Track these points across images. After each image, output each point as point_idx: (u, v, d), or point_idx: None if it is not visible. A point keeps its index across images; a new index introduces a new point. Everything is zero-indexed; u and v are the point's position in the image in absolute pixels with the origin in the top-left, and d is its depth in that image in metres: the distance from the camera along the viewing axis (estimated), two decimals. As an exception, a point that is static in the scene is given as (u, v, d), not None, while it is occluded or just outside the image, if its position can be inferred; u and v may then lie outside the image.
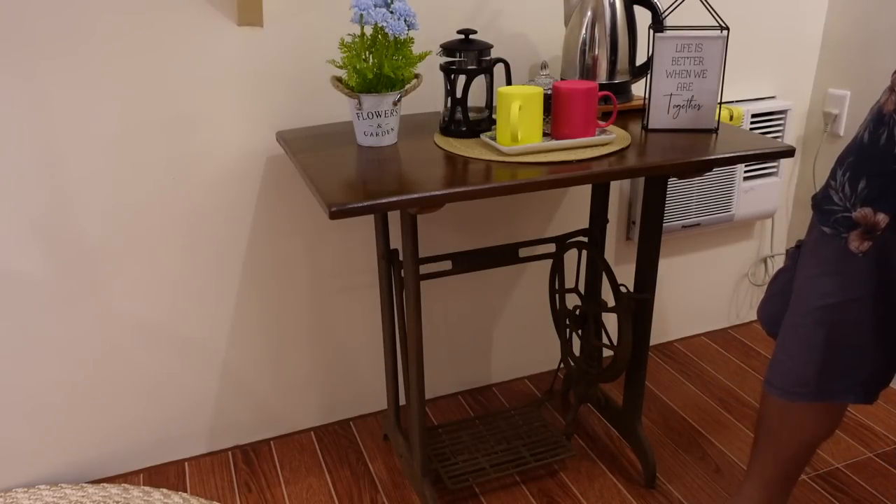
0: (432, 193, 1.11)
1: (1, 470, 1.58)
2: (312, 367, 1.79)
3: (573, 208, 1.88)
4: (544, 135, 1.33)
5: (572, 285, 1.81)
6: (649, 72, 1.37)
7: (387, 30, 1.23)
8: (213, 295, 1.63)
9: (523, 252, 1.68)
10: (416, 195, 1.10)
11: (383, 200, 1.09)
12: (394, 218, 1.59)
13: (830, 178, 1.13)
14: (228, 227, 1.58)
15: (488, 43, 1.36)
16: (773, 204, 2.09)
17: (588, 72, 1.52)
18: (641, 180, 1.80)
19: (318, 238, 1.67)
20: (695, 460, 1.71)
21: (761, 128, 1.98)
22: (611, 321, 1.77)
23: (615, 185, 1.91)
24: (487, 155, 1.27)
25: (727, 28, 1.31)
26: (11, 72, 1.32)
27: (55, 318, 1.51)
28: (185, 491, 1.64)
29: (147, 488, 1.61)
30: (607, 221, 1.69)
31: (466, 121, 1.37)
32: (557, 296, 1.77)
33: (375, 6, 1.24)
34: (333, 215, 1.05)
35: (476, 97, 1.37)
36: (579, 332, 1.73)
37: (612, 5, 1.48)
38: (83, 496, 1.56)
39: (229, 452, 1.76)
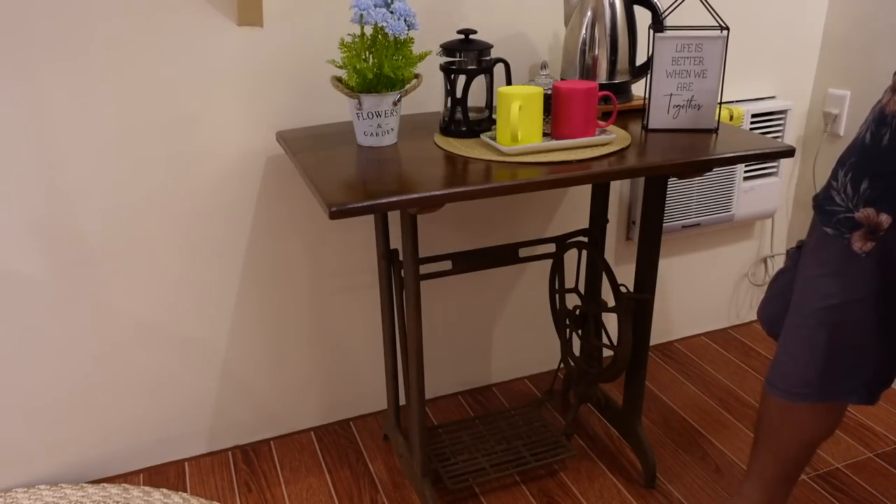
0: (432, 193, 1.11)
1: (1, 470, 1.58)
2: (312, 367, 1.79)
3: (573, 208, 1.88)
4: (544, 135, 1.33)
5: (572, 285, 1.81)
6: (649, 72, 1.37)
7: (387, 30, 1.23)
8: (213, 295, 1.63)
9: (523, 252, 1.68)
10: (416, 195, 1.10)
11: (383, 200, 1.09)
12: (394, 218, 1.59)
13: (832, 179, 1.13)
14: (228, 227, 1.58)
15: (488, 43, 1.36)
16: (773, 204, 2.09)
17: (588, 72, 1.52)
18: (641, 180, 1.80)
19: (318, 238, 1.67)
20: (695, 460, 1.71)
21: (761, 128, 1.98)
22: (611, 321, 1.77)
23: (615, 185, 1.91)
24: (487, 155, 1.27)
25: (727, 28, 1.31)
26: (12, 72, 1.32)
27: (55, 317, 1.51)
28: (185, 491, 1.64)
29: (147, 488, 1.61)
30: (607, 221, 1.69)
31: (466, 121, 1.37)
32: (557, 296, 1.77)
33: (375, 6, 1.24)
34: (333, 215, 1.05)
35: (476, 97, 1.37)
36: (579, 332, 1.73)
37: (612, 5, 1.48)
38: (83, 496, 1.56)
39: (229, 452, 1.76)
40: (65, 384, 1.57)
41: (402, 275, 1.41)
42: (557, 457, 1.66)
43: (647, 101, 1.39)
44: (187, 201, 1.53)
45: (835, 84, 2.01)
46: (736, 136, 1.38)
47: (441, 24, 1.52)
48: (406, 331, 1.46)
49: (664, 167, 1.24)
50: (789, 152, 1.32)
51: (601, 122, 1.37)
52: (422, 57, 1.31)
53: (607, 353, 1.68)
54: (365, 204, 1.08)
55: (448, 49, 1.35)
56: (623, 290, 1.54)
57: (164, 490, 1.61)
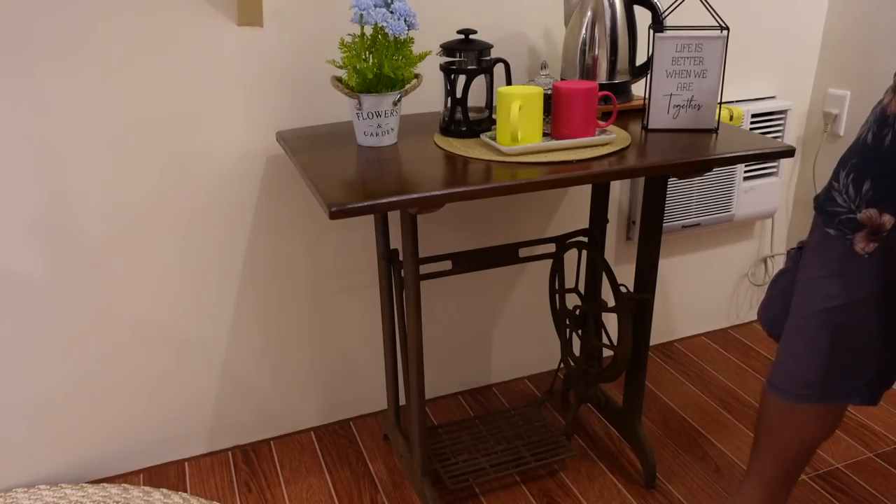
0: (432, 193, 1.11)
1: (1, 470, 1.58)
2: (312, 367, 1.79)
3: (573, 208, 1.88)
4: (544, 135, 1.32)
5: (572, 285, 1.81)
6: (649, 72, 1.37)
7: (387, 30, 1.23)
8: (213, 295, 1.63)
9: (523, 252, 1.68)
10: (416, 195, 1.10)
11: (383, 200, 1.09)
12: (394, 218, 1.59)
13: (833, 180, 1.12)
14: (228, 227, 1.58)
15: (488, 43, 1.36)
16: (773, 204, 2.09)
17: (588, 72, 1.52)
18: (641, 180, 1.80)
19: (318, 238, 1.67)
20: (695, 460, 1.71)
21: (761, 128, 1.98)
22: (611, 321, 1.77)
23: (615, 185, 1.91)
24: (487, 155, 1.27)
25: (727, 28, 1.31)
26: (12, 72, 1.32)
27: (55, 317, 1.51)
28: (185, 491, 1.64)
29: (147, 488, 1.61)
30: (607, 221, 1.69)
31: (466, 121, 1.36)
32: (557, 296, 1.77)
33: (375, 6, 1.24)
34: (333, 215, 1.05)
35: (476, 97, 1.37)
36: (579, 332, 1.73)
37: (612, 5, 1.48)
38: (83, 496, 1.56)
39: (229, 452, 1.76)
40: (65, 384, 1.57)
41: (402, 275, 1.41)
42: (557, 457, 1.66)
43: (647, 101, 1.39)
44: (187, 201, 1.53)
45: (835, 84, 2.01)
46: (736, 136, 1.38)
47: (441, 24, 1.52)
48: (406, 331, 1.46)
49: (664, 167, 1.24)
50: (789, 152, 1.32)
51: (601, 122, 1.37)
52: (422, 57, 1.31)
53: (607, 353, 1.68)
54: (365, 204, 1.08)
55: (448, 49, 1.35)
56: (623, 290, 1.54)
57: (164, 490, 1.61)
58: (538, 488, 1.62)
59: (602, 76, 1.52)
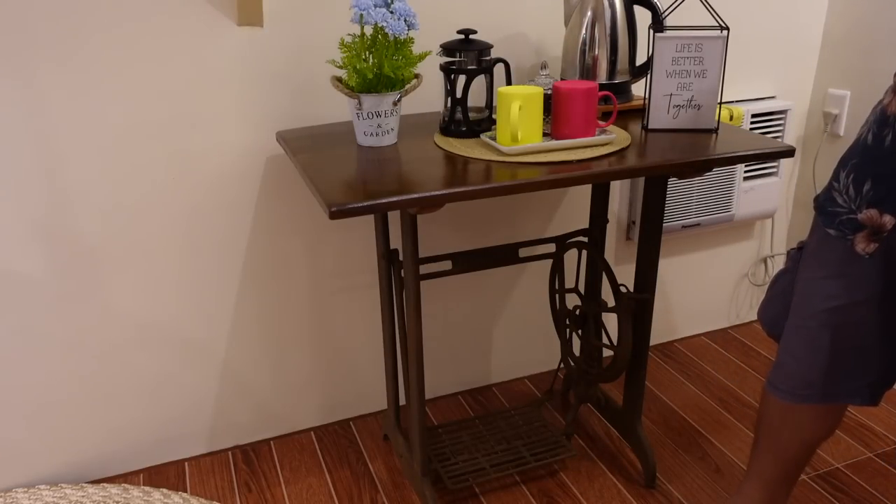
0: (432, 193, 1.11)
1: (1, 470, 1.58)
2: (312, 367, 1.79)
3: (573, 208, 1.88)
4: (544, 135, 1.32)
5: (572, 285, 1.81)
6: (649, 72, 1.37)
7: (387, 30, 1.23)
8: (213, 295, 1.63)
9: (523, 252, 1.68)
10: (416, 195, 1.10)
11: (383, 200, 1.09)
12: (394, 218, 1.59)
13: (833, 180, 1.12)
14: (228, 227, 1.58)
15: (488, 43, 1.36)
16: (773, 204, 2.09)
17: (588, 72, 1.52)
18: (641, 180, 1.80)
19: (318, 238, 1.67)
20: (695, 460, 1.71)
21: (761, 128, 1.98)
22: (611, 321, 1.77)
23: (615, 185, 1.91)
24: (487, 155, 1.27)
25: (727, 28, 1.31)
26: (12, 72, 1.32)
27: (55, 318, 1.51)
28: (185, 491, 1.64)
29: (147, 488, 1.61)
30: (607, 221, 1.69)
31: (466, 121, 1.36)
32: (557, 296, 1.77)
33: (375, 6, 1.24)
34: (333, 215, 1.05)
35: (476, 97, 1.37)
36: (579, 332, 1.73)
37: (612, 5, 1.48)
38: (83, 496, 1.56)
39: (229, 452, 1.76)
40: (65, 384, 1.57)
41: (402, 275, 1.41)
42: (557, 457, 1.65)
43: (647, 101, 1.39)
44: (187, 201, 1.53)
45: (835, 84, 2.01)
46: (736, 136, 1.38)
47: (441, 24, 1.52)
48: (406, 331, 1.46)
49: (664, 167, 1.24)
50: (789, 152, 1.32)
51: (601, 122, 1.37)
52: (422, 57, 1.31)
53: (607, 353, 1.68)
54: (365, 204, 1.08)
55: (448, 49, 1.35)
56: (623, 290, 1.54)
57: (164, 490, 1.61)
58: (538, 488, 1.62)
59: (602, 76, 1.52)
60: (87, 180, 1.44)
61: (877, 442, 1.76)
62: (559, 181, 1.19)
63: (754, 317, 2.29)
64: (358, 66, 1.26)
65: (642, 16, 1.50)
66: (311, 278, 1.70)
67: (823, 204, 1.14)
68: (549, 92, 1.33)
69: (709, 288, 2.20)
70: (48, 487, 1.59)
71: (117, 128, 1.42)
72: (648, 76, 1.37)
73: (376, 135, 1.32)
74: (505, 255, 1.66)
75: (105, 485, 1.61)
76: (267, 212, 1.60)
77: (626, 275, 1.99)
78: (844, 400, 1.19)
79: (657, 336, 2.17)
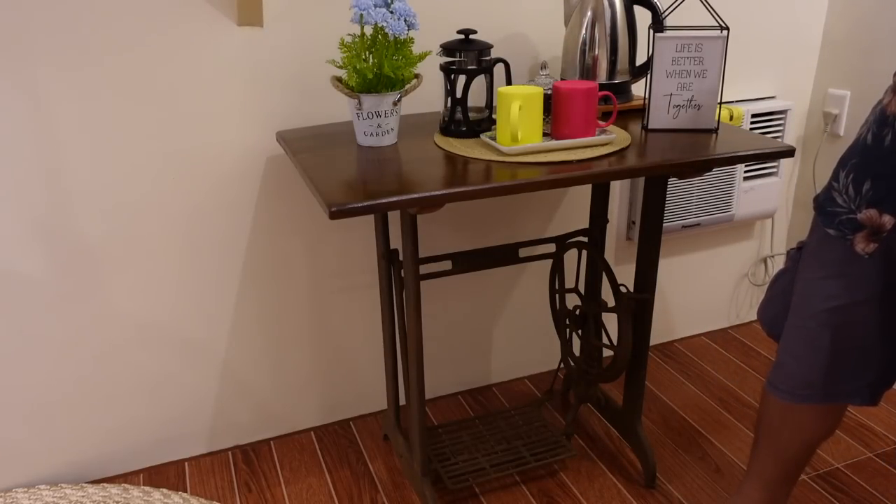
0: (432, 193, 1.11)
1: (1, 470, 1.58)
2: (312, 367, 1.79)
3: (573, 208, 1.88)
4: (544, 135, 1.32)
5: (572, 285, 1.81)
6: (649, 72, 1.37)
7: (387, 30, 1.23)
8: (213, 295, 1.63)
9: (523, 252, 1.68)
10: (416, 195, 1.10)
11: (383, 200, 1.09)
12: (394, 218, 1.59)
13: (833, 180, 1.12)
14: (228, 227, 1.58)
15: (488, 43, 1.36)
16: (773, 204, 2.09)
17: (588, 72, 1.52)
18: (641, 180, 1.80)
19: (318, 238, 1.67)
20: (695, 460, 1.71)
21: (761, 128, 1.98)
22: (611, 321, 1.77)
23: (615, 185, 1.91)
24: (487, 155, 1.27)
25: (727, 28, 1.31)
26: (12, 71, 1.32)
27: (55, 317, 1.51)
28: (185, 491, 1.64)
29: (147, 488, 1.61)
30: (607, 221, 1.69)
31: (466, 121, 1.36)
32: (557, 296, 1.77)
33: (375, 6, 1.24)
34: (333, 215, 1.05)
35: (476, 97, 1.37)
36: (579, 332, 1.73)
37: (612, 5, 1.48)
38: (83, 496, 1.56)
39: (229, 452, 1.76)
40: (65, 384, 1.57)
41: (402, 275, 1.41)
42: (557, 457, 1.65)
43: (647, 101, 1.39)
44: (187, 201, 1.53)
45: (835, 84, 2.01)
46: (736, 136, 1.38)
47: (441, 24, 1.52)
48: (406, 331, 1.46)
49: (664, 167, 1.24)
50: (789, 152, 1.32)
51: (601, 122, 1.37)
52: (422, 57, 1.31)
53: (607, 353, 1.68)
54: (365, 204, 1.08)
55: (448, 49, 1.35)
56: (623, 290, 1.54)
57: (164, 490, 1.61)
58: (538, 488, 1.62)
59: (602, 76, 1.52)
60: (87, 180, 1.44)
61: (877, 442, 1.76)
62: (559, 181, 1.19)
63: (754, 317, 2.29)
64: (358, 66, 1.26)
65: (642, 16, 1.50)
66: (311, 278, 1.70)
67: (823, 204, 1.14)
68: (549, 92, 1.33)
69: (709, 288, 2.20)
70: (48, 487, 1.59)
71: (117, 127, 1.43)
72: (648, 76, 1.37)
73: (376, 135, 1.32)
74: (505, 255, 1.66)
75: (105, 485, 1.61)
76: (267, 212, 1.60)
77: (626, 275, 1.99)
78: (844, 400, 1.19)
79: (657, 336, 2.17)
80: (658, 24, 1.37)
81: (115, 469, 1.69)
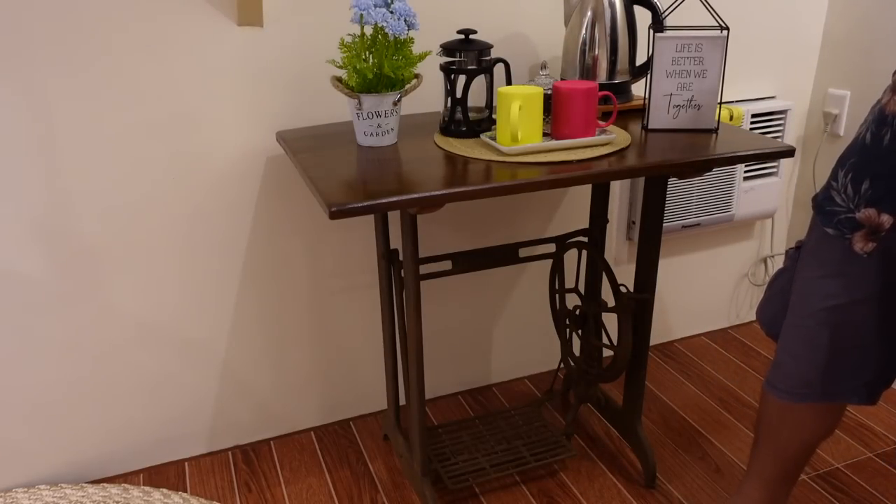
0: (432, 193, 1.11)
1: (1, 470, 1.58)
2: (312, 367, 1.79)
3: (573, 208, 1.88)
4: (544, 135, 1.33)
5: (572, 285, 1.81)
6: (649, 72, 1.37)
7: (387, 30, 1.23)
8: (213, 295, 1.63)
9: (523, 252, 1.68)
10: (416, 195, 1.10)
11: (383, 200, 1.09)
12: (394, 218, 1.59)
13: (832, 179, 1.12)
14: (228, 227, 1.58)
15: (488, 43, 1.36)
16: (773, 204, 2.09)
17: (588, 72, 1.52)
18: (641, 180, 1.80)
19: (318, 238, 1.67)
20: (695, 460, 1.71)
21: (761, 128, 1.98)
22: (611, 321, 1.77)
23: (615, 185, 1.91)
24: (487, 155, 1.27)
25: (727, 28, 1.31)
26: (12, 71, 1.32)
27: (55, 317, 1.51)
28: (185, 491, 1.64)
29: (147, 488, 1.61)
30: (607, 221, 1.69)
31: (466, 121, 1.37)
32: (557, 296, 1.77)
33: (375, 6, 1.24)
34: (333, 215, 1.05)
35: (476, 97, 1.37)
36: (579, 332, 1.73)
37: (612, 5, 1.48)
38: (83, 496, 1.56)
39: (229, 452, 1.76)
40: (65, 384, 1.57)
41: (402, 275, 1.41)
42: (557, 457, 1.65)
43: (647, 101, 1.39)
44: (187, 201, 1.53)
45: (835, 84, 2.01)
46: (736, 136, 1.38)
47: (441, 24, 1.52)
48: (406, 331, 1.46)
49: (664, 167, 1.24)
50: (789, 152, 1.32)
51: (601, 122, 1.37)
52: (422, 57, 1.31)
53: (607, 353, 1.68)
54: (365, 204, 1.08)
55: (448, 49, 1.35)
56: (623, 290, 1.54)
57: (164, 490, 1.61)
58: (538, 488, 1.62)
59: (602, 76, 1.52)
60: (88, 180, 1.44)
61: (877, 442, 1.76)
62: (559, 181, 1.19)
63: (754, 317, 2.29)
64: (358, 66, 1.26)
65: (642, 16, 1.50)
66: (311, 278, 1.70)
67: (822, 203, 1.14)
68: (549, 92, 1.33)
69: (709, 288, 2.20)
70: (48, 487, 1.59)
71: (117, 128, 1.43)
72: (648, 76, 1.37)
73: (376, 135, 1.32)
74: (505, 255, 1.66)
75: (105, 485, 1.61)
76: (267, 212, 1.60)
77: (626, 275, 1.99)
78: (842, 399, 1.19)
79: (657, 336, 2.17)
80: (658, 24, 1.37)
81: (115, 469, 1.69)
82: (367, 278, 1.75)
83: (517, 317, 1.97)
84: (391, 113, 1.31)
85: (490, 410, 1.89)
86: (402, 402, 1.67)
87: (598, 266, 1.69)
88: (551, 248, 1.72)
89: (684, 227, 1.98)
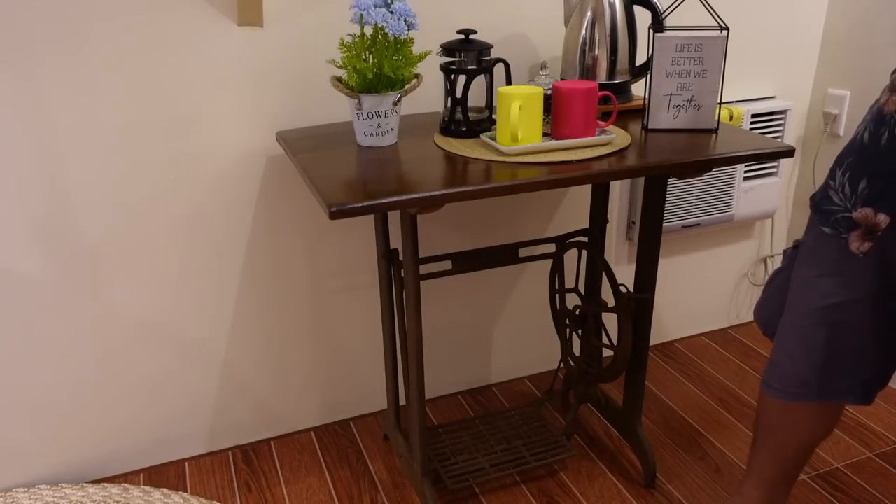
0: (432, 193, 1.11)
1: (1, 470, 1.58)
2: (312, 367, 1.79)
3: (573, 208, 1.88)
4: (544, 135, 1.33)
5: (572, 285, 1.81)
6: (649, 72, 1.37)
7: (387, 30, 1.23)
8: (213, 295, 1.63)
9: (523, 252, 1.68)
10: (416, 195, 1.10)
11: (383, 200, 1.09)
12: (394, 218, 1.59)
13: (829, 178, 1.13)
14: (229, 227, 1.58)
15: (488, 43, 1.36)
16: (773, 204, 2.09)
17: (588, 72, 1.52)
18: (641, 180, 1.80)
19: (318, 238, 1.67)
20: (695, 460, 1.71)
21: (761, 128, 1.98)
22: (611, 321, 1.77)
23: (615, 185, 1.91)
24: (487, 155, 1.27)
25: (727, 28, 1.31)
26: (12, 71, 1.32)
27: (56, 318, 1.51)
28: (186, 491, 1.64)
29: (147, 488, 1.61)
30: (607, 221, 1.69)
31: (466, 121, 1.37)
32: (557, 296, 1.77)
33: (375, 6, 1.24)
34: (333, 215, 1.06)
35: (476, 97, 1.37)
36: (579, 332, 1.73)
37: (612, 5, 1.48)
38: (83, 496, 1.56)
39: (229, 452, 1.76)
40: (65, 384, 1.57)
41: (402, 275, 1.41)
42: (557, 457, 1.66)
43: (647, 101, 1.39)
44: (187, 201, 1.53)
45: (835, 84, 2.01)
46: (736, 136, 1.38)
47: (441, 24, 1.52)
48: (406, 331, 1.46)
49: (664, 167, 1.24)
50: (789, 152, 1.32)
51: (601, 122, 1.37)
52: (422, 57, 1.31)
53: (607, 353, 1.68)
54: (365, 204, 1.08)
55: (448, 49, 1.35)
56: (623, 290, 1.54)
57: (165, 490, 1.61)
58: (538, 488, 1.62)
59: (602, 76, 1.52)
60: (88, 180, 1.44)
61: (877, 442, 1.76)
62: (559, 181, 1.19)
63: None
64: (358, 66, 1.26)
65: (642, 16, 1.50)
66: (311, 278, 1.70)
67: (820, 202, 1.14)
68: (549, 92, 1.33)
69: (709, 288, 2.20)
70: (48, 487, 1.59)
71: (117, 128, 1.43)
72: (648, 76, 1.37)
73: (376, 135, 1.32)
74: (505, 255, 1.66)
75: (105, 485, 1.61)
76: (267, 212, 1.60)
77: (626, 275, 1.99)
78: (838, 399, 1.19)
79: (657, 336, 2.17)
80: (658, 24, 1.37)
81: (116, 469, 1.69)
82: (367, 278, 1.75)
83: (517, 317, 1.97)
84: (391, 113, 1.31)
85: (490, 410, 1.89)
86: (402, 402, 1.67)
87: (598, 266, 1.69)
88: (551, 248, 1.72)
89: (684, 227, 1.98)
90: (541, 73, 1.44)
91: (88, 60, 1.36)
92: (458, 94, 1.35)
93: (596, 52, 1.50)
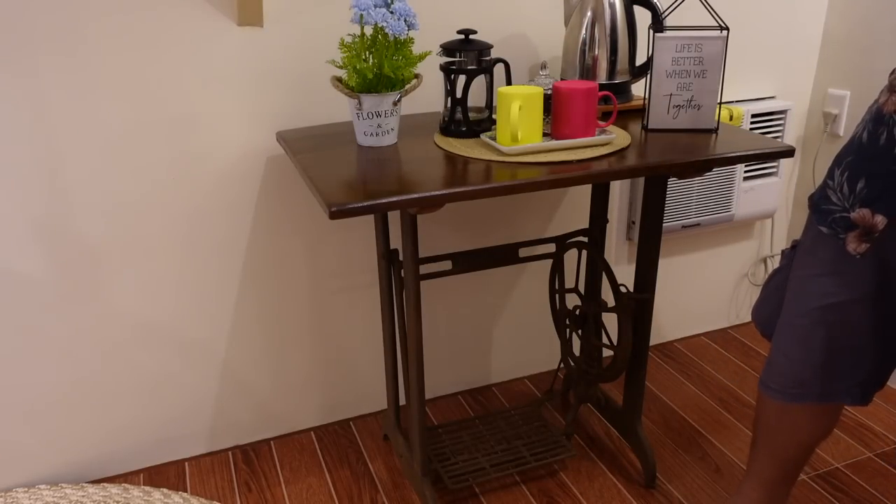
0: (432, 193, 1.11)
1: (1, 470, 1.58)
2: (312, 367, 1.79)
3: (573, 208, 1.88)
4: (544, 135, 1.33)
5: (572, 285, 1.81)
6: (649, 72, 1.37)
7: (387, 30, 1.23)
8: (213, 295, 1.63)
9: (523, 252, 1.68)
10: (416, 195, 1.10)
11: (383, 200, 1.09)
12: (394, 218, 1.59)
13: (828, 178, 1.12)
14: (229, 227, 1.58)
15: (488, 43, 1.36)
16: (773, 204, 2.09)
17: (588, 72, 1.52)
18: (641, 180, 1.80)
19: (318, 238, 1.67)
20: (695, 460, 1.71)
21: (761, 128, 1.98)
22: (611, 321, 1.77)
23: (615, 185, 1.91)
24: (487, 155, 1.27)
25: (727, 28, 1.31)
26: (12, 72, 1.32)
27: (56, 318, 1.51)
28: (186, 491, 1.64)
29: (147, 488, 1.61)
30: (607, 221, 1.69)
31: (466, 121, 1.37)
32: (557, 296, 1.77)
33: (375, 6, 1.24)
34: (333, 215, 1.06)
35: (476, 97, 1.37)
36: (579, 332, 1.73)
37: (612, 5, 1.48)
38: (83, 496, 1.56)
39: (229, 452, 1.76)
40: (65, 384, 1.57)
41: (402, 275, 1.41)
42: (557, 457, 1.66)
43: (647, 101, 1.39)
44: (188, 201, 1.53)
45: (835, 84, 2.01)
46: (736, 136, 1.38)
47: (441, 24, 1.52)
48: (406, 331, 1.46)
49: (664, 167, 1.24)
50: (789, 152, 1.32)
51: (601, 122, 1.37)
52: (422, 57, 1.31)
53: (607, 353, 1.68)
54: (365, 204, 1.08)
55: (448, 49, 1.35)
56: (623, 290, 1.54)
57: (165, 490, 1.61)
58: (538, 488, 1.62)
59: (602, 76, 1.52)
60: (88, 180, 1.44)
61: (877, 442, 1.76)
62: (559, 181, 1.19)
63: (754, 317, 2.29)
64: (358, 66, 1.26)
65: (642, 16, 1.50)
66: (311, 278, 1.70)
67: (818, 202, 1.14)
68: (549, 92, 1.33)
69: (709, 288, 2.20)
70: (48, 487, 1.59)
71: (117, 128, 1.43)
72: (648, 76, 1.37)
73: (376, 135, 1.32)
74: (505, 255, 1.66)
75: (105, 485, 1.61)
76: (267, 212, 1.60)
77: (626, 275, 1.99)
78: (836, 399, 1.19)
79: (657, 336, 2.17)
80: (658, 24, 1.37)
81: (116, 469, 1.69)
82: (367, 278, 1.75)
83: (517, 317, 1.97)
84: (391, 113, 1.31)
85: (490, 410, 1.89)
86: (402, 402, 1.67)
87: (598, 266, 1.69)
88: (551, 248, 1.72)
89: (684, 227, 1.98)
90: (541, 73, 1.44)
91: (88, 60, 1.36)
92: (458, 94, 1.35)
93: (596, 52, 1.50)
